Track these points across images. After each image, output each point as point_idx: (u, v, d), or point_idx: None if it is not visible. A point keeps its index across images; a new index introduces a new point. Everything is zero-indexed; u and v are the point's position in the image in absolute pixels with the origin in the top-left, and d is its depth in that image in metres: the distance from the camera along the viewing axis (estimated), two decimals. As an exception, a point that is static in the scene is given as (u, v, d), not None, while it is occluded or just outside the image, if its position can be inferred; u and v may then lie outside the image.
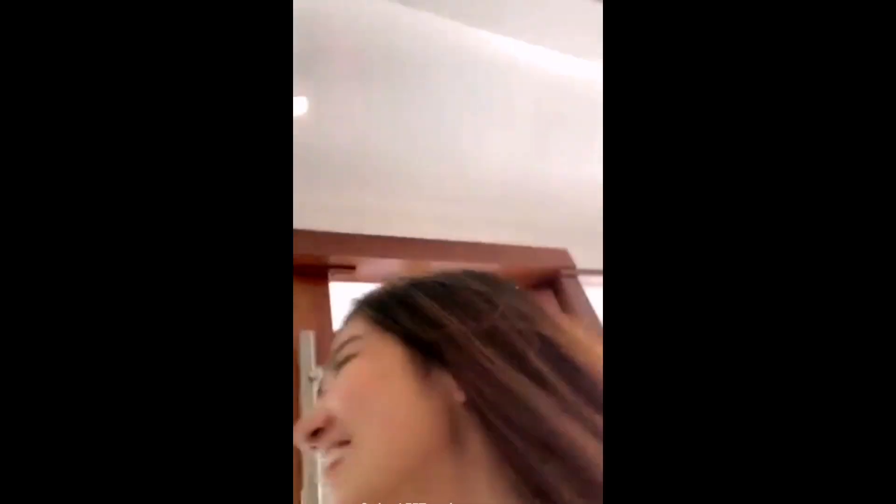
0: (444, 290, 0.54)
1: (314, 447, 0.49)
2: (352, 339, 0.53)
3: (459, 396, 0.47)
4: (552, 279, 1.69)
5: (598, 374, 0.46)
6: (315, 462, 1.00)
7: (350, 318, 0.56)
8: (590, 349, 0.49)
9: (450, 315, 0.50)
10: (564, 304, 1.63)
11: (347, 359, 0.51)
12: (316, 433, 0.49)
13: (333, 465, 0.48)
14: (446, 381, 0.47)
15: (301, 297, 1.32)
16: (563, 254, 1.75)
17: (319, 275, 1.39)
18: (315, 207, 1.45)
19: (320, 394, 0.55)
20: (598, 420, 0.42)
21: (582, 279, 1.71)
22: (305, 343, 1.21)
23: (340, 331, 0.56)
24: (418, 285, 0.56)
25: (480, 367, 0.47)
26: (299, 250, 1.34)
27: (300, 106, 1.25)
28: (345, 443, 0.47)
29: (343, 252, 1.41)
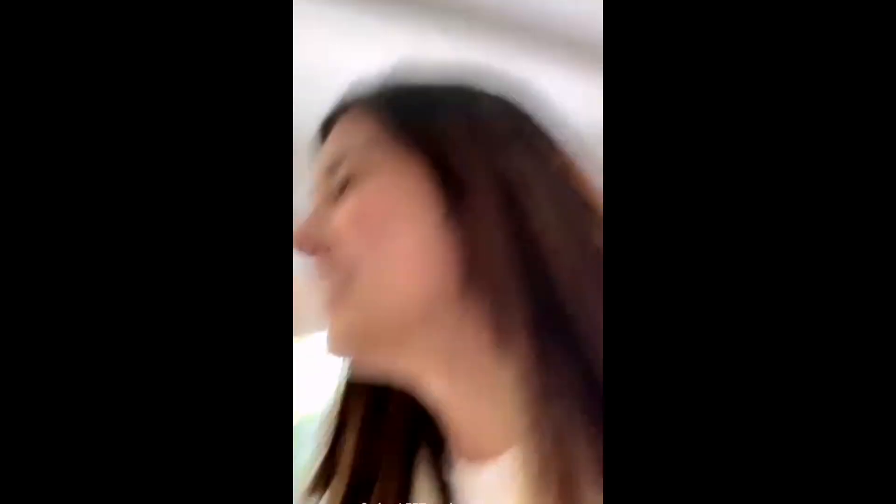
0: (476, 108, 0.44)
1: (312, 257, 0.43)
2: (354, 152, 0.43)
3: (489, 237, 0.40)
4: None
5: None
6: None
7: (345, 121, 0.45)
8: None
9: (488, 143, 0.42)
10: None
11: (353, 178, 0.42)
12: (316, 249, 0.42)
13: (331, 294, 0.42)
14: (474, 217, 0.41)
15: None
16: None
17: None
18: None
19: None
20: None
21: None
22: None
23: (332, 140, 0.45)
24: (444, 90, 0.46)
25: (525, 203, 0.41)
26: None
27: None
28: (345, 273, 0.41)
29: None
